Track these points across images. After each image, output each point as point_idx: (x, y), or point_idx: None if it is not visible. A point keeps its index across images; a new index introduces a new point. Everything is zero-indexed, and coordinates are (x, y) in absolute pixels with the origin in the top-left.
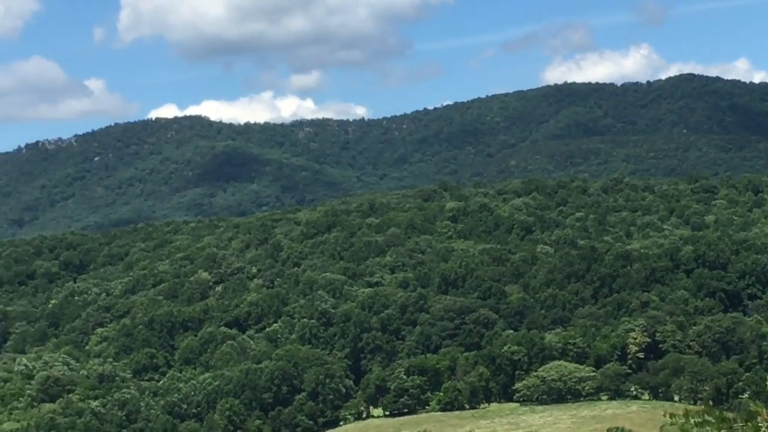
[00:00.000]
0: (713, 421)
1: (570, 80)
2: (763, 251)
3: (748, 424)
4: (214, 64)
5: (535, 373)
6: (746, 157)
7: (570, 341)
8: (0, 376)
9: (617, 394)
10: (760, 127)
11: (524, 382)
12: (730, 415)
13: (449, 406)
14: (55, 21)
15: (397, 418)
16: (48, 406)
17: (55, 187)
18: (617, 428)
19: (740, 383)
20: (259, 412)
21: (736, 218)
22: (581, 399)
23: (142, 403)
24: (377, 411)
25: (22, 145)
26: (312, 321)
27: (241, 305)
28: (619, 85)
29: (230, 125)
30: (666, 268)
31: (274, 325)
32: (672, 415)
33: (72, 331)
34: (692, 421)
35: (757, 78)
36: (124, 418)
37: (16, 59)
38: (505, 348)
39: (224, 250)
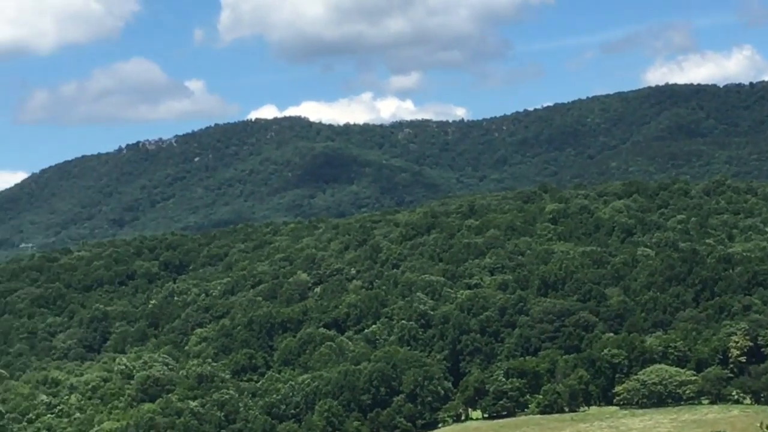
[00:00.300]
0: None
1: (671, 81)
2: None
3: None
4: (313, 65)
5: (635, 377)
6: None
7: (671, 345)
8: (100, 376)
9: (718, 398)
10: None
11: (624, 385)
12: None
13: (548, 408)
14: (156, 22)
15: (495, 421)
16: (147, 406)
17: (156, 188)
18: None
19: None
20: (357, 413)
21: None
22: (682, 403)
23: (240, 404)
24: (476, 413)
25: (123, 146)
26: (411, 323)
27: (340, 306)
28: (721, 86)
29: (330, 126)
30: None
31: (373, 326)
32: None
33: (171, 332)
34: None
35: None
36: (223, 418)
37: (117, 60)
38: (605, 351)
39: (323, 252)
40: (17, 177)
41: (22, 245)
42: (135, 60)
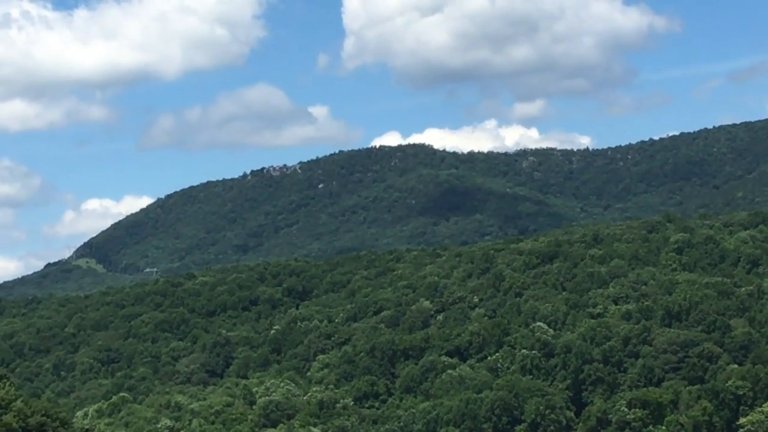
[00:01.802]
0: None
1: None
2: None
3: None
4: (437, 92)
5: (759, 409)
6: None
7: None
8: (222, 401)
9: None
10: None
11: (749, 417)
12: None
13: None
14: (281, 48)
15: None
16: (269, 431)
17: (280, 214)
18: None
19: None
20: None
21: None
22: None
23: (362, 431)
24: None
25: (248, 172)
26: (533, 351)
27: (463, 334)
28: None
29: (454, 154)
30: None
31: (495, 354)
32: None
33: (294, 358)
34: None
35: None
36: None
37: (242, 86)
38: (730, 382)
39: (446, 279)
40: (142, 202)
41: (147, 270)
42: (259, 86)
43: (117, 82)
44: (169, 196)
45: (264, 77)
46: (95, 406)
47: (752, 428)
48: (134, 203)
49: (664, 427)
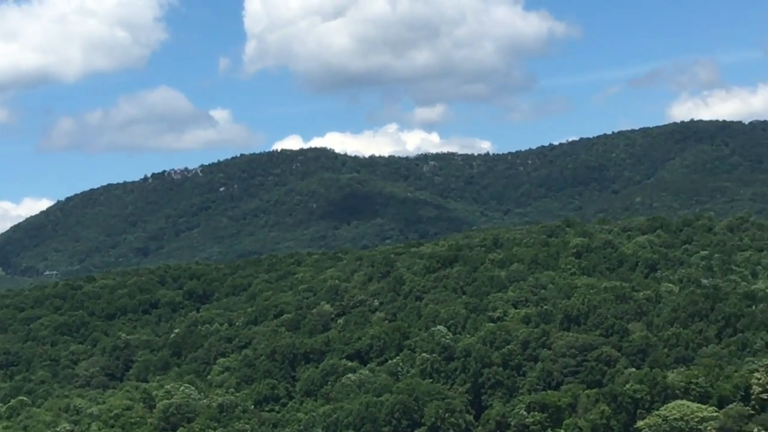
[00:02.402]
0: None
1: (696, 117)
2: None
3: None
4: (338, 96)
5: (656, 412)
6: None
7: (693, 380)
8: (122, 404)
9: None
10: None
11: (646, 420)
12: None
13: None
14: (182, 51)
15: None
16: None
17: (180, 217)
18: None
19: None
20: None
21: None
22: None
23: None
24: None
25: (149, 175)
26: (433, 355)
27: (363, 338)
28: (746, 123)
29: (355, 158)
30: None
31: (395, 358)
32: None
33: (194, 361)
34: None
35: None
36: None
37: (143, 89)
38: (627, 386)
39: (347, 283)
40: (42, 205)
41: (47, 272)
42: (160, 89)
43: (16, 83)
44: (69, 199)
45: (165, 80)
46: None
47: (649, 431)
48: (34, 206)
49: (562, 431)
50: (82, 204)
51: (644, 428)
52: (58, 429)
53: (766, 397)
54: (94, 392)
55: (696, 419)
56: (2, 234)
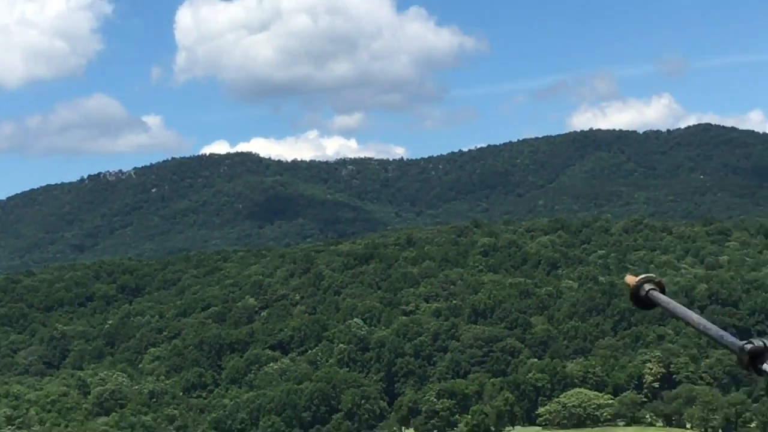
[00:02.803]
0: None
1: (595, 127)
2: None
3: None
4: (263, 105)
5: (556, 399)
6: (758, 202)
7: (590, 370)
8: (59, 390)
9: (633, 420)
10: None
11: (546, 407)
12: None
13: (476, 428)
14: (117, 60)
15: None
16: (102, 419)
17: (115, 216)
18: None
19: (748, 413)
20: (298, 430)
21: (748, 259)
22: (599, 425)
23: (190, 419)
24: (409, 431)
25: (85, 176)
26: (350, 346)
27: (285, 329)
28: (641, 132)
29: (278, 162)
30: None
31: (315, 348)
32: None
33: (127, 350)
34: None
35: None
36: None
37: (80, 96)
38: (530, 375)
39: (270, 278)
40: None
41: None
42: (96, 96)
43: None
44: (9, 199)
45: (101, 88)
46: None
47: (549, 417)
48: None
49: (469, 416)
50: (23, 203)
51: (545, 414)
52: None
53: (657, 386)
54: (33, 379)
55: (593, 406)
56: None
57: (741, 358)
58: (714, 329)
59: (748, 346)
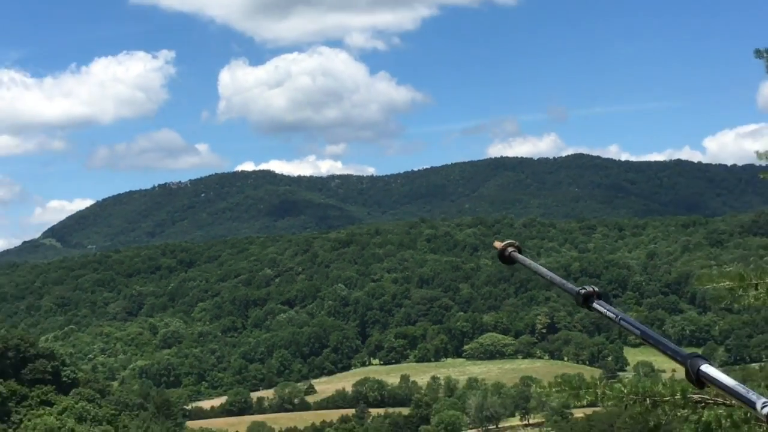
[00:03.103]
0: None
1: (505, 155)
2: (624, 267)
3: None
4: (278, 137)
5: (476, 340)
6: (614, 207)
7: (499, 320)
8: (136, 331)
9: (528, 355)
10: (624, 189)
11: (470, 345)
12: (598, 370)
13: (422, 359)
14: (178, 106)
15: (388, 366)
16: (166, 351)
17: (176, 213)
18: (528, 377)
19: (606, 350)
20: (300, 359)
21: (607, 246)
22: (505, 357)
23: (226, 351)
24: (375, 361)
25: (156, 185)
26: (335, 302)
27: (291, 291)
28: (535, 159)
29: (288, 177)
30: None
31: (311, 304)
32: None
33: (183, 304)
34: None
35: (624, 157)
36: (215, 360)
37: (153, 130)
38: (458, 324)
39: (281, 256)
40: (87, 203)
41: (89, 246)
42: (164, 130)
43: (71, 125)
44: (104, 199)
45: (167, 125)
46: (53, 334)
47: (471, 352)
48: (82, 203)
49: (416, 351)
50: (113, 203)
51: (468, 350)
52: (94, 347)
53: (545, 331)
54: (118, 323)
55: (501, 345)
56: (62, 221)
57: (577, 299)
58: (558, 279)
59: (582, 291)
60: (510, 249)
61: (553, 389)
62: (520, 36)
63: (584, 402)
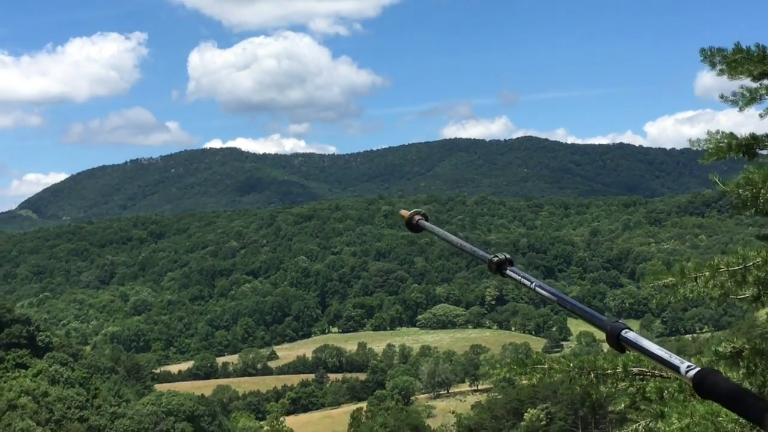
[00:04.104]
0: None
1: (458, 136)
2: (568, 244)
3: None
4: (244, 116)
5: (429, 311)
6: (561, 187)
7: (451, 292)
8: (108, 298)
9: (478, 324)
10: (569, 170)
11: (423, 315)
12: (543, 340)
13: (378, 327)
14: (149, 85)
15: (346, 334)
16: (136, 318)
17: (147, 187)
18: (477, 345)
19: (551, 321)
20: (263, 327)
21: (553, 223)
22: (456, 327)
23: (193, 319)
24: (334, 329)
25: (128, 161)
26: (297, 274)
27: (255, 262)
28: (487, 140)
29: (253, 154)
30: (511, 251)
31: (275, 275)
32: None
33: (153, 274)
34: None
35: (570, 140)
36: (182, 327)
37: (125, 107)
38: (412, 294)
39: (247, 229)
40: (62, 176)
41: (64, 218)
42: (136, 108)
43: (47, 102)
44: (79, 173)
45: (139, 103)
46: (28, 300)
47: (425, 322)
48: (57, 177)
49: (373, 320)
50: (87, 177)
51: (422, 320)
52: (68, 313)
53: (494, 303)
54: (91, 291)
55: (453, 315)
56: (38, 194)
57: (490, 266)
58: (468, 246)
59: (495, 258)
60: (417, 217)
61: (503, 369)
62: (474, 24)
63: (533, 380)
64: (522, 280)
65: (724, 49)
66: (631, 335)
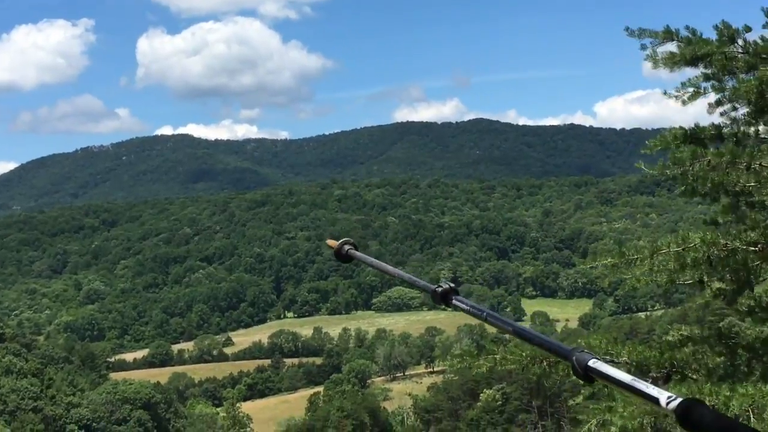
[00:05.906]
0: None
1: (410, 119)
2: (521, 225)
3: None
4: (195, 102)
5: (384, 294)
6: (513, 168)
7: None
8: (61, 287)
9: (433, 307)
10: (521, 152)
11: (378, 298)
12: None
13: (333, 312)
14: (97, 72)
15: (301, 318)
16: (90, 306)
17: (98, 175)
18: (433, 327)
19: (505, 302)
20: (219, 313)
21: (505, 204)
22: (412, 309)
23: (147, 306)
24: (290, 314)
25: (79, 149)
26: (252, 259)
27: (209, 248)
28: (439, 123)
29: (205, 140)
30: (464, 233)
31: (229, 261)
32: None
33: (106, 262)
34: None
35: (521, 122)
36: (137, 315)
37: (74, 95)
38: (368, 278)
39: (200, 216)
40: (10, 165)
41: (14, 207)
42: (85, 95)
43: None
44: (28, 162)
45: (88, 90)
46: None
47: (380, 305)
48: (5, 166)
49: (328, 304)
50: (37, 165)
51: (377, 303)
52: (21, 303)
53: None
54: (44, 281)
55: (407, 298)
56: None
57: (434, 296)
58: (407, 276)
59: (439, 289)
60: (347, 247)
61: (456, 360)
62: (425, 5)
63: (484, 369)
64: (471, 309)
65: (654, 30)
66: (599, 366)
